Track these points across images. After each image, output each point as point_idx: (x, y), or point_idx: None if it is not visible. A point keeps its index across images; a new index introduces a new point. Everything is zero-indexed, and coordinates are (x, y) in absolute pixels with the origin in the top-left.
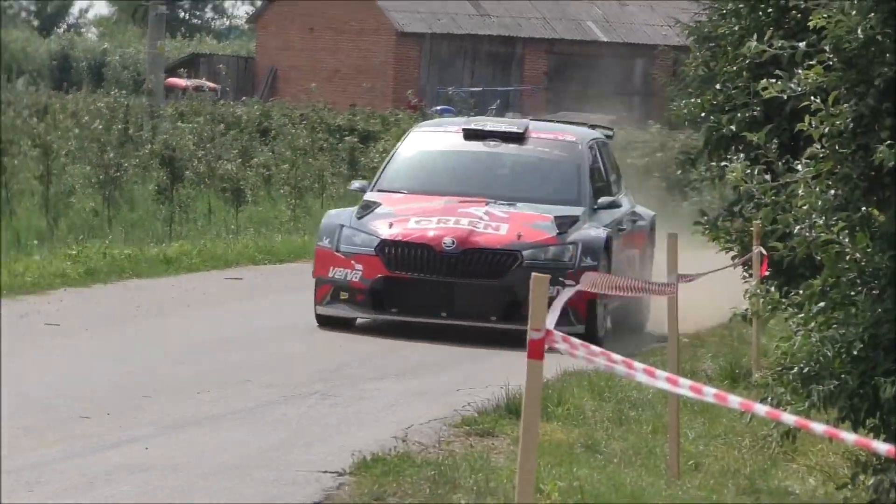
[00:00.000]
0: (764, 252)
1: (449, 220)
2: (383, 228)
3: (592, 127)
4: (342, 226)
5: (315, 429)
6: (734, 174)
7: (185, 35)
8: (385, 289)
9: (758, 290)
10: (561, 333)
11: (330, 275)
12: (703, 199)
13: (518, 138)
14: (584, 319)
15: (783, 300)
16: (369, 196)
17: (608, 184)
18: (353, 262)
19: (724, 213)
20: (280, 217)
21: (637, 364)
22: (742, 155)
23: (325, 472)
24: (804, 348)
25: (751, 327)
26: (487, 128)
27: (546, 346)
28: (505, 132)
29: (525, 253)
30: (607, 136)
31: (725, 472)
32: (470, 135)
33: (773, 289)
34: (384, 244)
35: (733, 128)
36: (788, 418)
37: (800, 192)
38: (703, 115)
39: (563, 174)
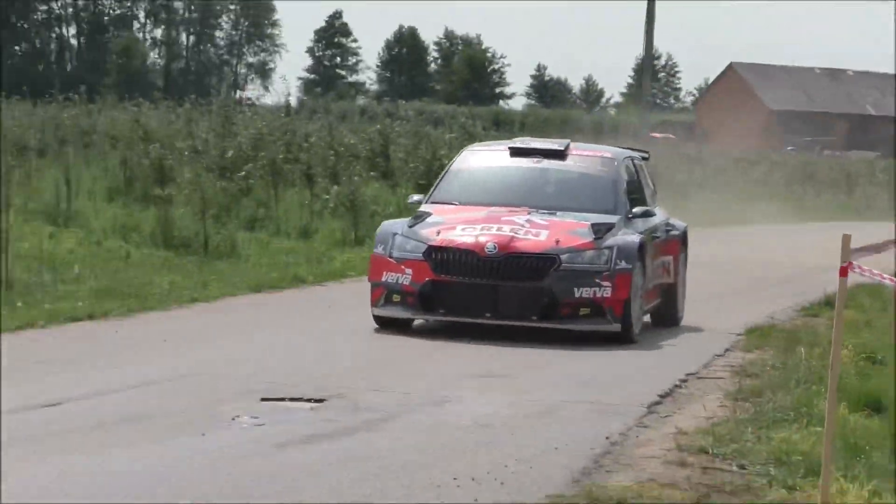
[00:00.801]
0: None
1: (492, 228)
2: (432, 236)
3: (631, 150)
4: (395, 234)
5: (726, 313)
6: None
7: (659, 110)
8: (433, 291)
9: None
10: (856, 263)
11: (383, 279)
12: None
13: (559, 155)
14: (620, 318)
15: None
16: (423, 207)
17: (643, 196)
18: (403, 266)
19: None
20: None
21: None
22: None
23: (731, 333)
24: None
25: None
26: (531, 145)
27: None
28: (547, 149)
29: (563, 257)
30: (643, 158)
31: None
32: (515, 152)
33: None
34: (431, 250)
35: None
36: None
37: None
38: None
39: (601, 186)
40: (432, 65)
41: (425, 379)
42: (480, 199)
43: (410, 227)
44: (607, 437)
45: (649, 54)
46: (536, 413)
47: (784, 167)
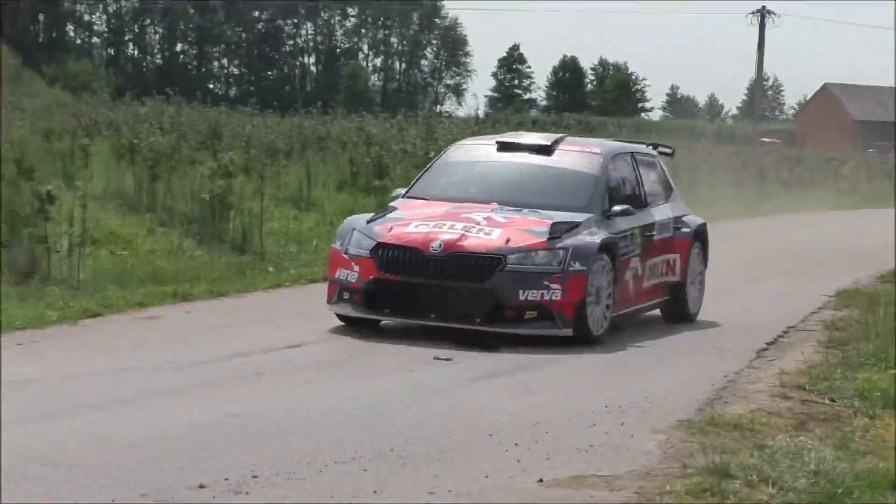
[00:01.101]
0: None
1: (444, 225)
2: (383, 232)
3: (655, 146)
4: (354, 229)
5: (820, 279)
6: None
7: (767, 120)
8: (377, 290)
9: None
10: None
11: (336, 275)
12: None
13: (545, 150)
14: (573, 322)
15: None
16: (395, 203)
17: (638, 194)
18: (353, 263)
19: None
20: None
21: None
22: None
23: (824, 295)
24: None
25: None
26: (519, 140)
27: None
28: (533, 144)
29: (510, 257)
30: (664, 154)
31: None
32: (502, 147)
33: None
34: (378, 247)
35: None
36: None
37: None
38: None
39: (578, 183)
40: (589, 85)
41: None
42: (452, 195)
43: (368, 222)
44: (725, 376)
45: (759, 76)
46: (669, 356)
47: (867, 166)
